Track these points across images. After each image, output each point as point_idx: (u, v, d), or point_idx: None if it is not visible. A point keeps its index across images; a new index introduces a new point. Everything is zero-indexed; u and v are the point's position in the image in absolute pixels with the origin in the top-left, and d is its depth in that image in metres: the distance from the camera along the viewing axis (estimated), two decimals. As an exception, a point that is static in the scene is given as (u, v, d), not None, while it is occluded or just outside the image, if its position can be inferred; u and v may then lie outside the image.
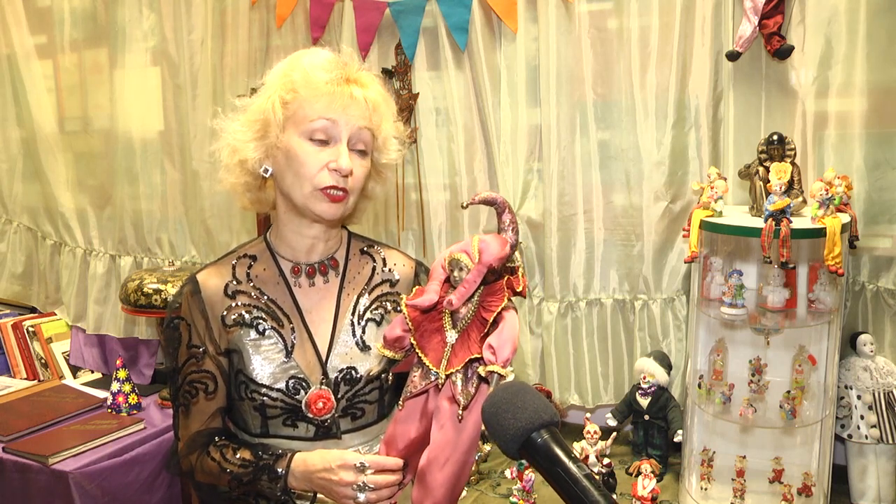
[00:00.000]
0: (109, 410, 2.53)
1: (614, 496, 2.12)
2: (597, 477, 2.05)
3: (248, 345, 1.41)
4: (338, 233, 1.53)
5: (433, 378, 1.17)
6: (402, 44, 2.54)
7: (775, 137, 2.02)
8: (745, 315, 1.98)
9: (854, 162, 2.10)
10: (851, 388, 2.10)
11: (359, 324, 1.47)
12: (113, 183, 3.08)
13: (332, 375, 1.42)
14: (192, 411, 1.44)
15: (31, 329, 3.09)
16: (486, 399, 0.97)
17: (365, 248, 1.56)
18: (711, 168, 2.10)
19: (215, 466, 1.40)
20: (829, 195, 1.88)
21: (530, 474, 2.10)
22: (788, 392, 2.02)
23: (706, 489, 2.10)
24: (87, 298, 3.15)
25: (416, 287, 1.27)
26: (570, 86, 2.38)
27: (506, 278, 1.16)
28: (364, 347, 1.45)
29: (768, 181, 1.90)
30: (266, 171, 1.41)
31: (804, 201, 2.05)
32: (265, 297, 1.45)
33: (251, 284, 1.46)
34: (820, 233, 1.83)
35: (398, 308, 1.49)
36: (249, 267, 1.48)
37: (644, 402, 2.30)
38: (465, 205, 1.19)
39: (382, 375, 1.43)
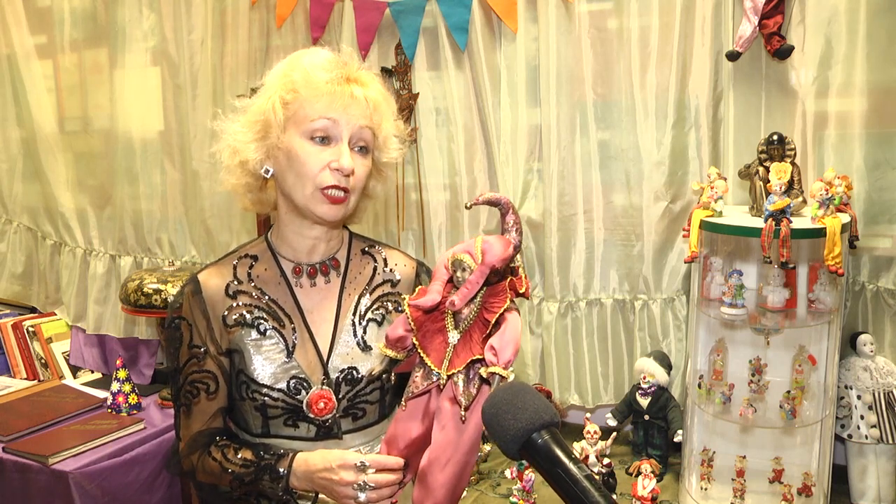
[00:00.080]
0: (109, 410, 2.53)
1: (614, 496, 2.12)
2: (597, 477, 2.05)
3: (250, 345, 1.41)
4: (339, 233, 1.53)
5: (435, 378, 1.17)
6: (402, 44, 2.54)
7: (775, 137, 2.02)
8: (745, 315, 1.98)
9: (854, 162, 2.10)
10: (851, 388, 2.10)
11: (360, 324, 1.47)
12: (113, 183, 3.08)
13: (334, 376, 1.42)
14: (193, 411, 1.43)
15: (31, 329, 3.09)
16: (486, 400, 0.97)
17: (366, 249, 1.56)
18: (711, 168, 2.10)
19: (217, 466, 1.40)
20: (829, 195, 1.88)
21: (530, 474, 2.10)
22: (788, 392, 2.02)
23: (706, 489, 2.10)
24: (87, 298, 3.15)
25: (419, 287, 1.27)
26: (570, 86, 2.38)
27: (509, 279, 1.16)
28: (365, 348, 1.45)
29: (768, 181, 1.90)
30: (267, 171, 1.41)
31: (804, 201, 2.05)
32: (266, 297, 1.45)
33: (252, 284, 1.46)
34: (820, 233, 1.83)
35: (399, 308, 1.49)
36: (251, 267, 1.48)
37: (644, 402, 2.30)
38: (469, 205, 1.19)
39: (384, 376, 1.43)
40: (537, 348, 2.55)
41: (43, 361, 3.07)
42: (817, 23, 2.10)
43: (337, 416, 1.42)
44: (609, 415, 2.37)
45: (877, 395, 2.08)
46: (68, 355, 3.12)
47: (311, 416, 1.40)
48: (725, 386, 2.09)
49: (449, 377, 1.15)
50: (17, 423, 2.41)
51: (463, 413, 1.12)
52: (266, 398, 1.40)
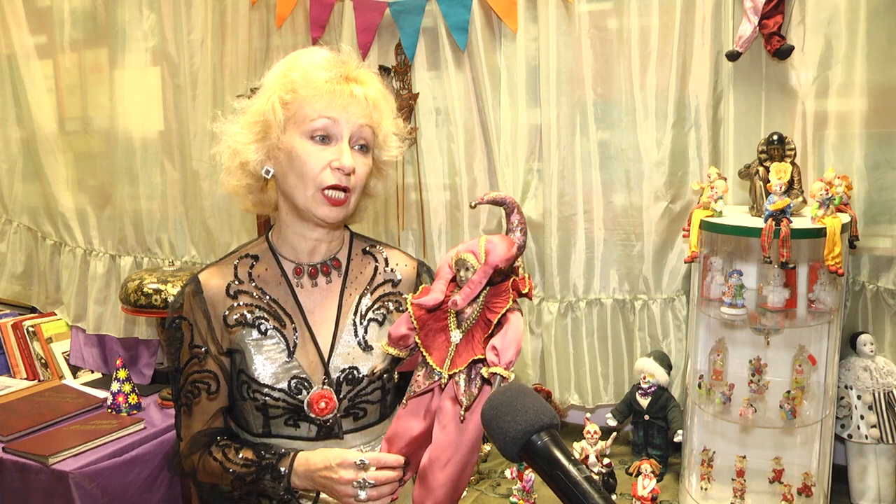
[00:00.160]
0: (109, 410, 2.53)
1: (614, 496, 2.13)
2: (596, 478, 2.05)
3: (251, 345, 1.41)
4: (340, 233, 1.53)
5: (437, 378, 1.17)
6: (402, 44, 2.54)
7: (775, 137, 2.02)
8: (745, 315, 1.98)
9: (854, 162, 2.10)
10: (851, 388, 2.10)
11: (361, 324, 1.47)
12: (113, 183, 3.08)
13: (335, 375, 1.42)
14: (194, 411, 1.43)
15: (31, 329, 3.09)
16: (486, 402, 0.97)
17: (367, 248, 1.56)
18: (711, 168, 2.10)
19: (218, 466, 1.40)
20: (829, 195, 1.88)
21: (530, 474, 2.10)
22: (788, 392, 2.02)
23: (706, 489, 2.10)
24: (87, 298, 3.15)
25: (422, 286, 1.27)
26: (570, 86, 2.38)
27: (512, 280, 1.16)
28: (366, 347, 1.45)
29: (768, 181, 1.90)
30: (268, 172, 1.41)
31: (804, 201, 2.05)
32: (267, 297, 1.45)
33: (253, 284, 1.46)
34: (820, 233, 1.83)
35: (400, 308, 1.50)
36: (251, 267, 1.48)
37: (644, 402, 2.30)
38: (473, 204, 1.19)
39: (385, 375, 1.43)
40: (537, 348, 2.55)
41: (43, 361, 3.07)
42: (817, 23, 2.10)
43: (338, 415, 1.42)
44: (609, 415, 2.37)
45: (877, 395, 2.08)
46: (68, 355, 3.12)
47: (312, 415, 1.40)
48: (725, 386, 2.09)
49: (450, 377, 1.15)
50: (17, 423, 2.41)
51: (463, 413, 1.12)
52: (267, 398, 1.40)
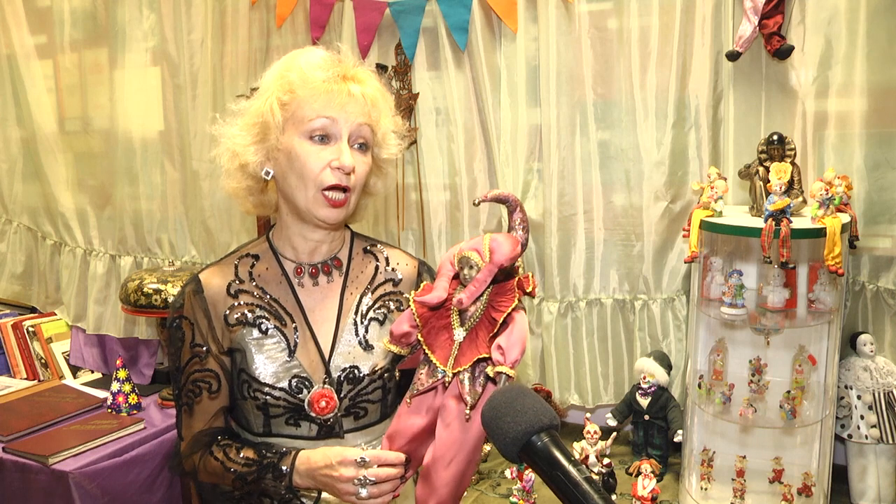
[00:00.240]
0: (109, 410, 2.53)
1: (614, 496, 2.13)
2: (597, 478, 2.05)
3: (251, 344, 1.41)
4: (341, 233, 1.53)
5: (440, 376, 1.17)
6: (402, 44, 2.54)
7: (775, 137, 2.02)
8: (745, 315, 1.98)
9: (854, 162, 2.10)
10: (851, 388, 2.10)
11: (362, 323, 1.47)
12: (113, 183, 3.08)
13: (335, 374, 1.42)
14: (195, 410, 1.43)
15: (31, 329, 3.09)
16: (486, 402, 0.97)
17: (368, 248, 1.56)
18: (711, 168, 2.10)
19: (219, 466, 1.40)
20: (829, 195, 1.88)
21: (530, 474, 2.10)
22: (788, 392, 2.02)
23: (706, 489, 2.10)
24: (87, 298, 3.15)
25: (424, 283, 1.27)
26: (570, 86, 2.38)
27: (517, 279, 1.16)
28: (367, 347, 1.45)
29: (768, 181, 1.90)
30: (267, 173, 1.41)
31: (804, 201, 2.05)
32: (268, 297, 1.45)
33: (254, 284, 1.46)
34: (820, 233, 1.83)
35: (401, 307, 1.50)
36: (252, 266, 1.48)
37: (644, 402, 2.30)
38: (476, 202, 1.20)
39: (385, 375, 1.43)
40: (537, 348, 2.55)
41: (43, 361, 3.07)
42: (817, 23, 2.10)
43: (338, 414, 1.42)
44: (609, 415, 2.37)
45: (877, 395, 2.08)
46: (68, 355, 3.12)
47: (313, 414, 1.40)
48: (725, 386, 2.09)
49: (454, 375, 1.15)
50: (17, 423, 2.41)
51: (468, 412, 1.12)
52: (268, 397, 1.40)
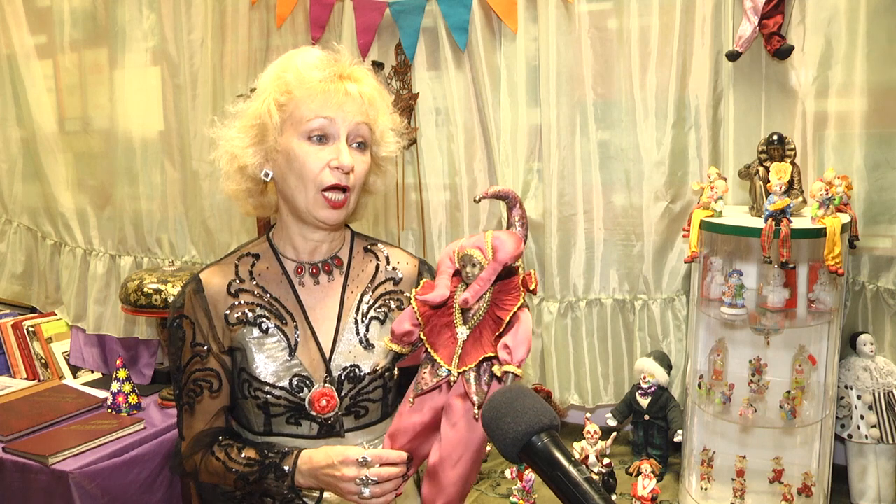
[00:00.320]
0: (109, 410, 2.53)
1: (614, 496, 2.13)
2: (596, 478, 2.05)
3: (252, 343, 1.41)
4: (341, 232, 1.53)
5: (444, 375, 1.17)
6: (402, 44, 2.54)
7: (775, 137, 2.02)
8: (745, 315, 1.98)
9: (854, 162, 2.11)
10: (851, 388, 2.10)
11: (362, 322, 1.47)
12: (113, 183, 3.08)
13: (336, 373, 1.42)
14: (196, 410, 1.43)
15: (31, 329, 3.09)
16: (486, 403, 0.97)
17: (368, 247, 1.56)
18: (711, 168, 2.10)
19: (220, 466, 1.40)
20: (829, 195, 1.88)
21: (530, 474, 2.10)
22: (788, 392, 2.02)
23: (706, 489, 2.10)
24: (87, 298, 3.15)
25: (424, 280, 1.27)
26: (570, 86, 2.38)
27: (521, 277, 1.16)
28: (368, 346, 1.45)
29: (768, 181, 1.90)
30: (267, 174, 1.42)
31: (804, 201, 2.05)
32: (268, 296, 1.45)
33: (254, 283, 1.46)
34: (820, 233, 1.83)
35: (402, 306, 1.50)
36: (252, 266, 1.48)
37: (644, 402, 2.30)
38: (477, 199, 1.20)
39: (386, 373, 1.43)
40: (537, 348, 2.55)
41: (43, 361, 3.07)
42: (817, 23, 2.10)
43: (339, 413, 1.42)
44: (609, 415, 2.37)
45: (877, 395, 2.08)
46: (68, 355, 3.12)
47: (314, 413, 1.40)
48: (725, 386, 2.09)
49: (459, 374, 1.15)
50: (17, 423, 2.41)
51: (477, 411, 1.12)
52: (268, 396, 1.40)
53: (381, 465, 1.25)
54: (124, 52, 2.96)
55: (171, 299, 2.48)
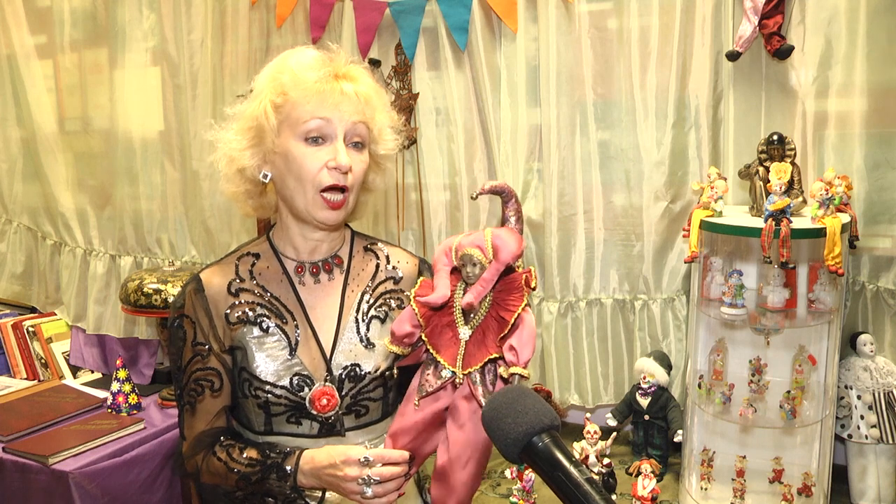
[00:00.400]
0: (109, 410, 2.52)
1: (614, 496, 2.13)
2: (597, 479, 2.05)
3: (252, 342, 1.41)
4: (341, 232, 1.53)
5: (448, 376, 1.17)
6: (402, 44, 2.54)
7: (775, 137, 2.02)
8: (745, 315, 1.98)
9: (854, 162, 2.11)
10: (851, 388, 2.10)
11: (363, 321, 1.46)
12: (113, 183, 3.07)
13: (337, 373, 1.42)
14: (197, 410, 1.43)
15: (31, 329, 3.09)
16: (487, 404, 0.97)
17: (368, 246, 1.56)
18: (711, 168, 2.11)
19: (222, 467, 1.39)
20: (829, 195, 1.88)
21: (530, 474, 2.10)
22: (788, 392, 2.02)
23: (706, 489, 2.10)
24: (87, 298, 3.15)
25: (421, 279, 1.26)
26: (570, 86, 2.38)
27: (523, 276, 1.16)
28: (368, 345, 1.45)
29: (768, 181, 1.90)
30: (265, 176, 1.42)
31: (804, 201, 2.05)
32: (269, 295, 1.45)
33: (254, 282, 1.46)
34: (820, 233, 1.83)
35: (402, 305, 1.49)
36: (252, 265, 1.48)
37: (644, 402, 2.30)
38: (475, 196, 1.20)
39: (387, 373, 1.44)
40: (537, 348, 2.55)
41: (43, 361, 3.07)
42: (817, 23, 2.10)
43: (339, 413, 1.42)
44: (609, 415, 2.37)
45: (877, 395, 2.08)
46: (68, 355, 3.12)
47: (314, 412, 1.40)
48: (725, 386, 2.09)
49: (465, 376, 1.15)
50: (17, 423, 2.41)
51: None
52: (269, 395, 1.40)
53: (384, 464, 1.25)
54: (124, 52, 2.96)
55: (171, 299, 2.47)
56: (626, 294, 2.45)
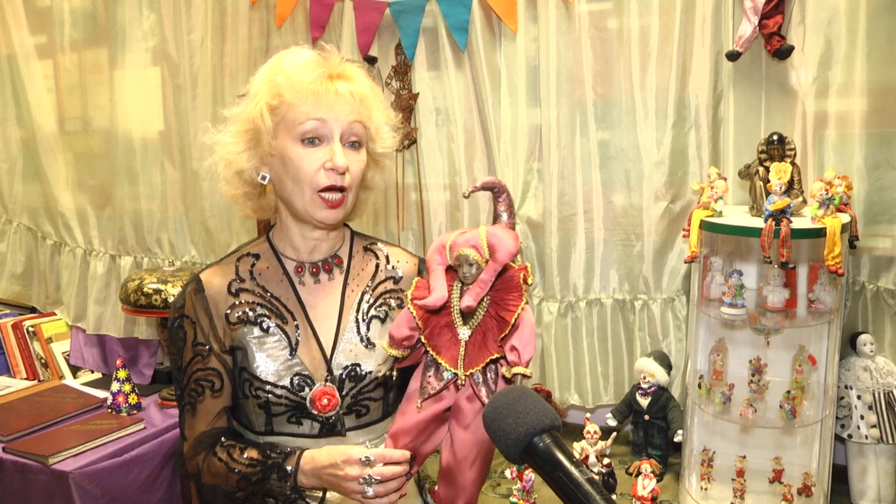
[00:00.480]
0: (109, 410, 2.52)
1: (614, 496, 2.13)
2: (597, 479, 2.05)
3: (253, 342, 1.41)
4: (340, 231, 1.53)
5: (450, 377, 1.17)
6: (402, 44, 2.54)
7: (775, 137, 2.02)
8: (745, 315, 1.98)
9: (854, 162, 2.11)
10: (851, 388, 2.10)
11: (363, 321, 1.47)
12: (113, 183, 3.07)
13: (337, 372, 1.42)
14: (198, 410, 1.43)
15: (31, 329, 3.09)
16: (487, 404, 0.97)
17: (367, 246, 1.57)
18: (711, 168, 2.10)
19: (223, 467, 1.39)
20: (829, 195, 1.88)
21: (530, 474, 2.10)
22: (788, 392, 2.02)
23: (706, 489, 2.10)
24: (87, 298, 3.15)
25: (417, 279, 1.26)
26: (570, 86, 2.38)
27: (521, 274, 1.16)
28: (368, 344, 1.45)
29: (768, 181, 1.90)
30: (264, 178, 1.42)
31: (804, 201, 2.05)
32: (269, 295, 1.45)
33: (255, 282, 1.46)
34: (820, 233, 1.83)
35: (402, 305, 1.49)
36: (252, 265, 1.48)
37: (644, 402, 2.30)
38: (467, 194, 1.20)
39: (387, 372, 1.44)
40: (537, 348, 2.55)
41: (43, 361, 3.07)
42: (817, 23, 2.10)
43: (340, 412, 1.42)
44: (609, 415, 2.37)
45: (877, 395, 2.08)
46: (68, 355, 3.12)
47: (315, 412, 1.40)
48: (725, 386, 2.09)
49: (467, 376, 1.15)
50: (17, 423, 2.41)
51: None
52: (269, 395, 1.40)
53: (385, 464, 1.25)
54: (124, 52, 2.96)
55: (171, 299, 2.47)
56: (626, 294, 2.45)
